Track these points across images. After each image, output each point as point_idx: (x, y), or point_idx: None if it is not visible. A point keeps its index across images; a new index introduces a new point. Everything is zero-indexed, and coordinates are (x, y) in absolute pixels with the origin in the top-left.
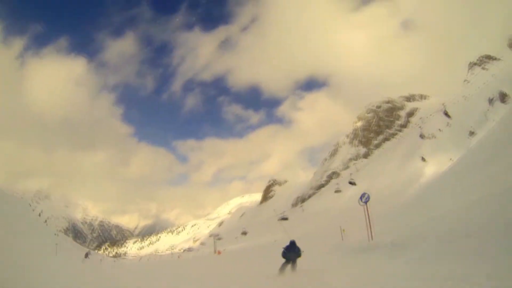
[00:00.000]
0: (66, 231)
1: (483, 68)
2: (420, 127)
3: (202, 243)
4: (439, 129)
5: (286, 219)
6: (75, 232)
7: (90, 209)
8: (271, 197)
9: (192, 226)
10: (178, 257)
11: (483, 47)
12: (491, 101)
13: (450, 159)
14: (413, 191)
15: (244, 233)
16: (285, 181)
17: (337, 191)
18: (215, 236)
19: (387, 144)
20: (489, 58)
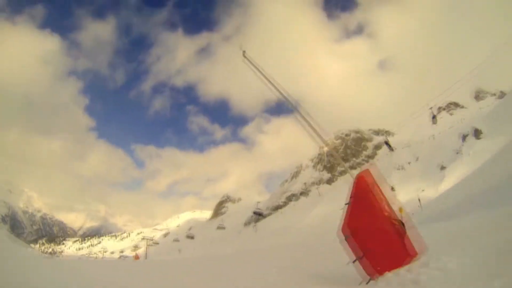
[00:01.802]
0: (4, 217)
1: (449, 113)
2: (391, 155)
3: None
4: (408, 162)
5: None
6: (14, 221)
7: (35, 200)
8: (222, 214)
9: (138, 234)
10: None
11: (451, 94)
12: (464, 137)
13: (423, 190)
14: None
15: (191, 237)
16: (239, 199)
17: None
18: (149, 240)
19: (352, 173)
20: (456, 105)
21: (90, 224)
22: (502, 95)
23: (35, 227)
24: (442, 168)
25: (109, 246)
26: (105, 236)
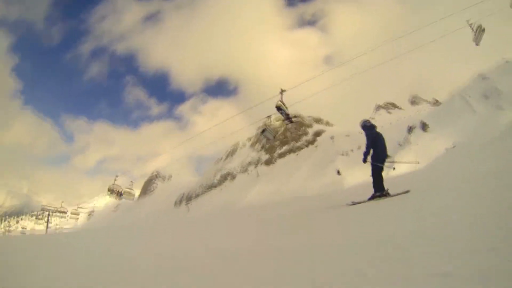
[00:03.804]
0: None
1: (388, 112)
2: (333, 143)
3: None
4: (351, 150)
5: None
6: None
7: None
8: (151, 191)
9: (62, 216)
10: None
11: (389, 96)
12: (410, 129)
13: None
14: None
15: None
16: (170, 176)
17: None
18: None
19: (291, 156)
20: (394, 105)
21: (11, 202)
22: (435, 102)
23: None
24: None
25: (29, 226)
26: (26, 215)
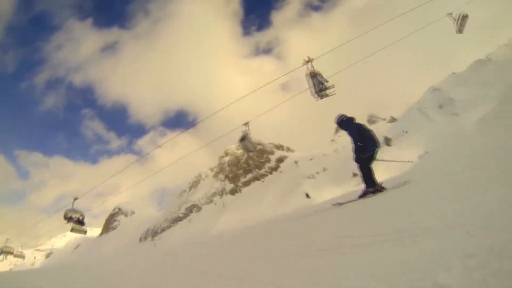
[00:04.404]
0: None
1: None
2: (297, 166)
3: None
4: (317, 172)
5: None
6: None
7: None
8: (114, 228)
9: (16, 256)
10: None
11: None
12: None
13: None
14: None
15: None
16: (133, 212)
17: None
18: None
19: (257, 184)
20: None
21: None
22: (392, 119)
23: None
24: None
25: None
26: None
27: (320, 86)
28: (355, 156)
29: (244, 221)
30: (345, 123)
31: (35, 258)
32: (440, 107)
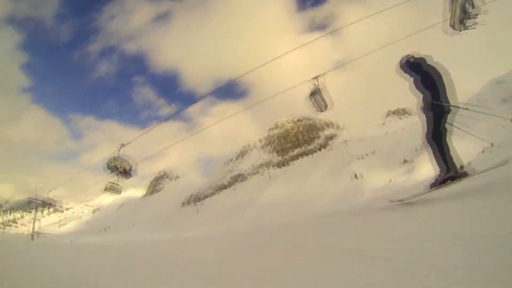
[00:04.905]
0: None
1: (399, 118)
2: (347, 145)
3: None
4: (366, 154)
5: None
6: None
7: None
8: (158, 191)
9: (67, 209)
10: None
11: (400, 101)
12: None
13: (390, 180)
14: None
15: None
16: (177, 177)
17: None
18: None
19: (304, 159)
20: (404, 111)
21: (18, 197)
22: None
23: None
24: (405, 161)
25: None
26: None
27: (463, 15)
28: (424, 108)
29: (290, 195)
30: (414, 66)
31: (83, 212)
32: (504, 101)
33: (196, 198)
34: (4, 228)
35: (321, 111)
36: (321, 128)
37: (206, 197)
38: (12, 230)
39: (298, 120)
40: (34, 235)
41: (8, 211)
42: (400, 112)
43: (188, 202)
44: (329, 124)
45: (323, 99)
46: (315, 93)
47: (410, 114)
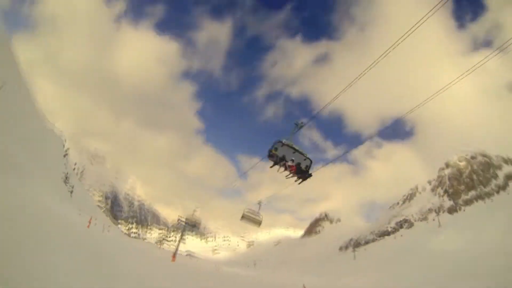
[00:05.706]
0: (106, 197)
1: None
2: None
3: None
4: None
5: None
6: (115, 200)
7: (137, 188)
8: (316, 233)
9: (224, 240)
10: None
11: None
12: None
13: None
14: None
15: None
16: (338, 220)
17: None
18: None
19: (480, 204)
20: None
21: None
22: None
23: (131, 211)
24: None
25: (189, 242)
26: (190, 234)
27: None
28: None
29: (464, 245)
30: None
31: (238, 245)
32: None
33: (356, 243)
34: (161, 244)
35: None
36: (498, 166)
37: (367, 243)
38: (165, 246)
39: (472, 157)
40: (176, 255)
41: (167, 229)
42: None
43: (347, 247)
44: (507, 161)
45: None
46: None
47: None
